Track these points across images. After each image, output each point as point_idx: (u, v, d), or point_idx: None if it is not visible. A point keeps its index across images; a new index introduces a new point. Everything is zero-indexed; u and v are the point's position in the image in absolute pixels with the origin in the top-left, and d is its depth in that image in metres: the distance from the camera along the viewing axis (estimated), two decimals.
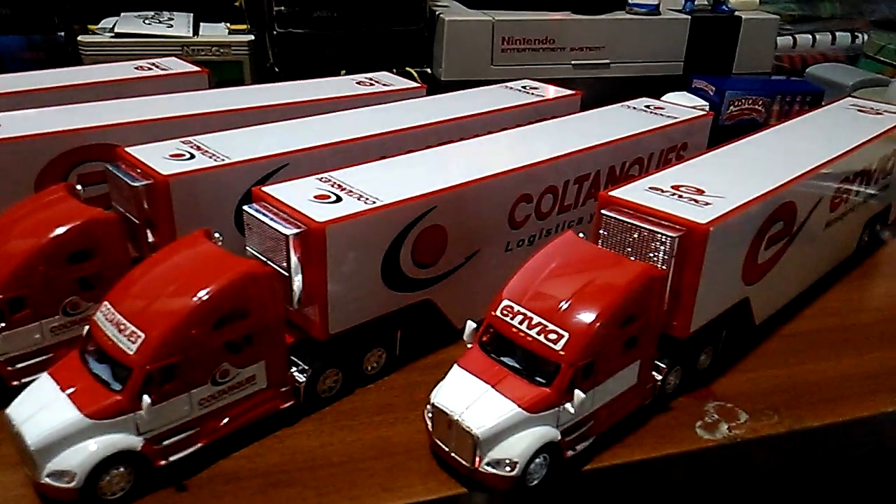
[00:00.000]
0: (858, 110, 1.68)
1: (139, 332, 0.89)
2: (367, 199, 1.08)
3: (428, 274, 1.18)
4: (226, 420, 0.98)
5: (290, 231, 1.00)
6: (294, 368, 1.06)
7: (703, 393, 1.17)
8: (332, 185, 1.11)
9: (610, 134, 1.43)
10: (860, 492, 1.05)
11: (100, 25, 2.09)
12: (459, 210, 1.18)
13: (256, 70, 2.18)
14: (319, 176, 1.14)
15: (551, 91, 1.74)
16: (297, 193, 1.08)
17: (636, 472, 1.02)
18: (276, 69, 2.15)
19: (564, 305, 0.97)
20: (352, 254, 1.05)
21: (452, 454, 0.95)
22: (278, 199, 1.06)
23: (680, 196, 1.13)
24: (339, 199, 1.07)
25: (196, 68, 1.77)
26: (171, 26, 2.10)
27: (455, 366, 1.00)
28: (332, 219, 1.01)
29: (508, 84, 1.78)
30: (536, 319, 0.97)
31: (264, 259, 1.05)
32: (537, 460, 0.94)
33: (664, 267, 1.05)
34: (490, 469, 0.92)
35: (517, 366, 0.98)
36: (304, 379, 1.06)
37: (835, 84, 2.33)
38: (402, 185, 1.13)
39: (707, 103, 2.09)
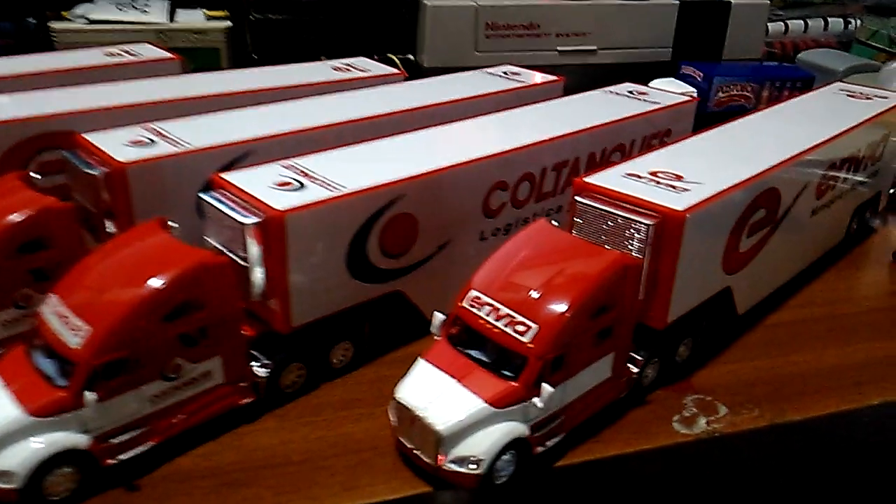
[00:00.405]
0: (848, 95, 1.64)
1: (85, 325, 0.85)
2: (331, 186, 1.04)
3: (397, 264, 1.14)
4: (180, 417, 0.94)
5: (247, 220, 0.96)
6: (255, 363, 1.02)
7: (682, 386, 1.13)
8: (296, 172, 1.07)
9: (590, 120, 1.39)
10: (845, 488, 1.01)
11: (73, 12, 2.04)
12: (430, 198, 1.13)
13: (235, 57, 2.13)
14: (283, 162, 1.10)
15: (532, 76, 1.70)
16: (258, 180, 1.03)
17: (610, 468, 0.99)
18: (255, 56, 2.10)
19: (533, 296, 0.93)
20: (315, 243, 1.01)
21: (416, 451, 0.92)
22: (237, 187, 1.01)
23: (657, 182, 1.09)
24: (301, 187, 1.03)
25: (168, 55, 1.72)
26: (147, 12, 2.05)
27: (420, 359, 0.96)
28: (292, 207, 0.97)
29: (488, 69, 1.74)
30: (504, 310, 0.93)
31: (222, 249, 1.01)
32: (504, 457, 0.90)
33: (640, 255, 1.01)
34: (454, 467, 0.88)
35: (485, 359, 0.94)
36: (265, 374, 1.02)
37: (826, 70, 2.28)
38: (369, 172, 1.09)
39: (695, 90, 2.05)
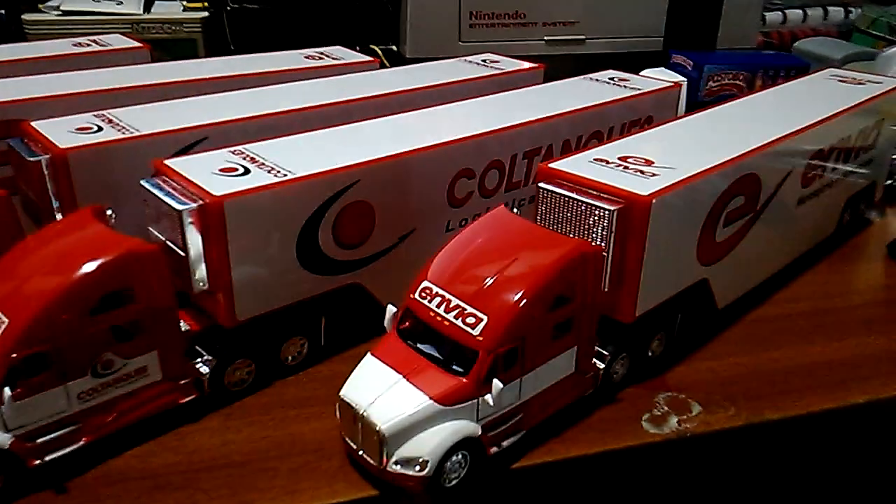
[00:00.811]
0: (839, 80, 1.57)
1: (2, 318, 0.80)
2: (278, 171, 0.98)
3: (354, 255, 1.08)
4: (113, 416, 0.88)
5: (182, 206, 0.91)
6: (198, 359, 0.97)
7: (654, 383, 1.07)
8: (244, 158, 1.02)
9: (565, 105, 1.33)
10: (823, 491, 0.95)
11: (47, 4, 2.00)
12: (388, 185, 1.08)
13: (213, 49, 2.09)
14: (232, 149, 1.05)
15: (512, 64, 1.64)
16: (201, 166, 0.98)
17: (573, 470, 0.93)
18: (232, 47, 2.06)
19: (485, 286, 0.87)
20: (258, 231, 0.95)
21: (360, 452, 0.86)
22: (178, 173, 0.96)
23: (626, 168, 1.03)
24: (246, 172, 0.98)
25: (136, 44, 1.67)
26: (121, 3, 2.01)
27: (368, 355, 0.90)
28: (231, 192, 0.92)
29: (467, 58, 1.68)
30: (455, 302, 0.87)
31: (162, 238, 0.96)
32: (454, 458, 0.84)
33: (604, 244, 0.96)
34: (399, 469, 0.83)
35: (435, 354, 0.88)
36: (208, 370, 0.96)
37: (823, 58, 2.21)
38: (321, 157, 1.03)
39: (685, 79, 1.98)
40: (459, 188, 1.18)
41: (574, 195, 0.98)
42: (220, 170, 0.97)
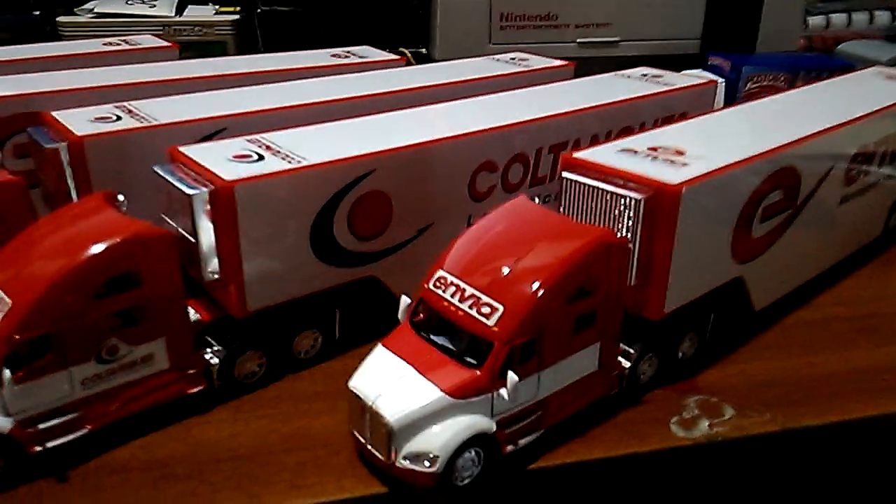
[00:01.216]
0: (886, 77, 1.50)
1: (6, 300, 0.78)
2: (292, 158, 0.96)
3: (371, 247, 1.05)
4: (118, 404, 0.86)
5: (193, 191, 0.88)
6: (208, 349, 0.94)
7: (685, 385, 1.01)
8: (259, 146, 0.99)
9: (593, 100, 1.29)
10: (865, 501, 0.89)
11: (82, 7, 2.03)
12: (406, 176, 1.05)
13: (244, 51, 2.09)
14: (249, 137, 1.03)
15: (541, 62, 1.60)
16: (216, 153, 0.96)
17: (593, 472, 0.88)
18: (263, 50, 2.06)
19: (503, 276, 0.83)
20: (271, 219, 0.93)
21: (369, 446, 0.82)
22: (192, 159, 0.94)
23: (655, 157, 0.98)
24: (260, 159, 0.95)
25: (165, 43, 1.68)
26: (154, 6, 2.03)
27: (379, 346, 0.87)
28: (243, 178, 0.89)
29: (496, 56, 1.65)
30: (470, 291, 0.83)
31: (174, 225, 0.94)
32: (467, 455, 0.80)
33: (630, 235, 0.91)
34: (407, 464, 0.78)
35: (449, 346, 0.84)
36: (218, 361, 0.94)
37: (868, 60, 2.12)
38: (338, 146, 1.00)
39: (723, 81, 1.92)
40: (481, 181, 1.14)
41: (599, 184, 0.94)
42: (235, 156, 0.95)
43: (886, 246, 1.45)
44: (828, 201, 1.21)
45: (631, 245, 0.91)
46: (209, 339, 0.95)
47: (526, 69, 1.54)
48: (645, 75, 1.50)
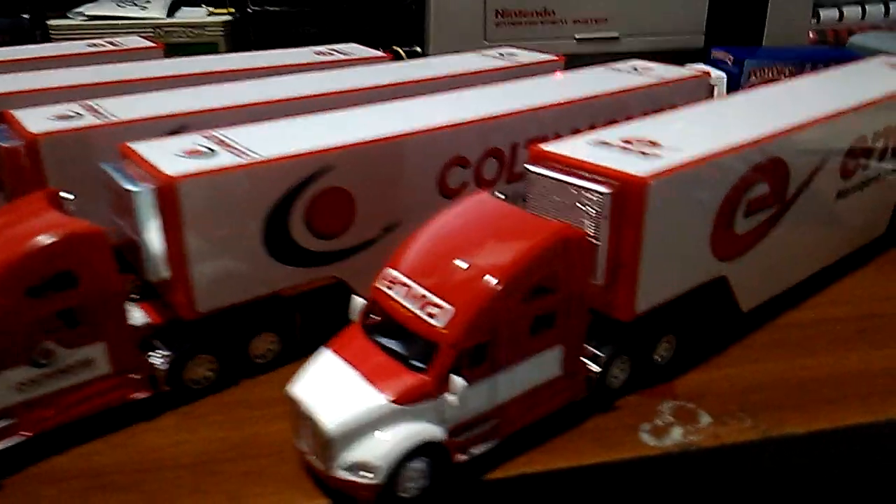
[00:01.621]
0: (890, 66, 1.43)
1: None
2: (245, 154, 0.92)
3: (332, 247, 1.01)
4: (56, 410, 0.83)
5: (135, 188, 0.85)
6: (155, 353, 0.90)
7: (661, 390, 0.95)
8: (214, 141, 0.96)
9: (576, 92, 1.24)
10: None
11: (74, 10, 2.02)
12: (369, 172, 1.00)
13: (236, 52, 2.06)
14: (206, 133, 0.99)
15: (529, 56, 1.55)
16: (167, 149, 0.92)
17: (556, 483, 0.82)
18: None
19: (453, 275, 0.78)
20: (219, 216, 0.89)
21: (310, 457, 0.77)
22: (139, 155, 0.91)
23: (627, 149, 0.93)
24: (211, 154, 0.91)
25: (150, 44, 1.66)
26: (145, 8, 2.01)
27: (323, 349, 0.82)
28: (187, 173, 0.85)
29: (485, 51, 1.60)
30: (419, 291, 0.79)
31: (120, 223, 0.90)
32: (413, 465, 0.75)
33: (597, 231, 0.85)
34: (347, 475, 0.74)
35: (396, 349, 0.79)
36: (166, 365, 0.90)
37: (881, 53, 2.04)
38: (297, 141, 0.96)
39: (723, 74, 1.86)
40: (452, 178, 1.09)
41: (564, 177, 0.89)
42: (186, 152, 0.92)
43: (891, 245, 1.37)
44: (822, 196, 1.14)
45: (598, 241, 0.86)
46: (157, 342, 0.91)
47: (513, 64, 1.49)
48: (636, 68, 1.44)
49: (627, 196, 0.84)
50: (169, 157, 0.89)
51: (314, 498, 0.78)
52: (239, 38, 2.06)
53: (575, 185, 0.87)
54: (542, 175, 0.91)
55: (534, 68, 1.48)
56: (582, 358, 0.87)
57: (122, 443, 0.86)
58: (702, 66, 1.81)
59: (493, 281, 0.76)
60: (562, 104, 1.19)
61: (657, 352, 0.96)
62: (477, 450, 0.80)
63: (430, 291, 0.78)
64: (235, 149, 0.93)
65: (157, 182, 0.84)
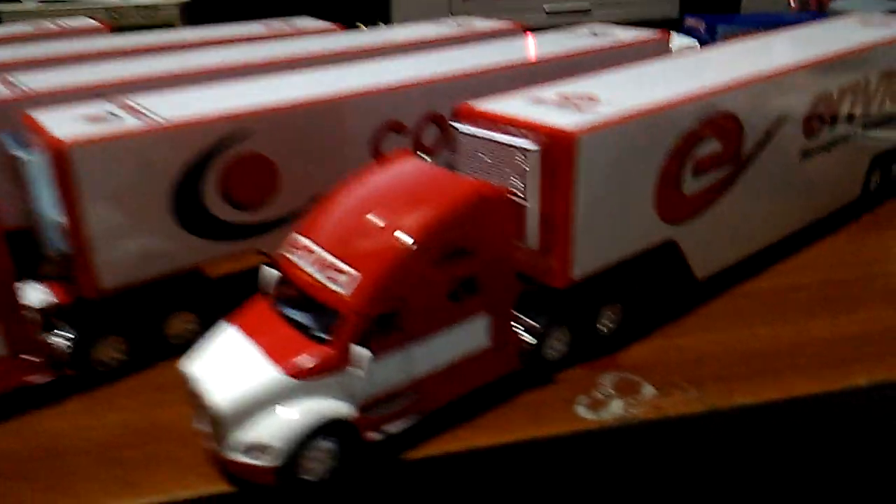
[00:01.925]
0: (862, 24, 1.36)
1: None
2: (149, 118, 0.86)
3: (255, 218, 0.95)
4: None
5: (28, 156, 0.79)
6: (56, 334, 0.85)
7: (604, 362, 0.89)
8: (121, 107, 0.90)
9: (525, 55, 1.17)
10: (809, 490, 0.76)
11: None
12: (292, 137, 0.94)
13: None
14: (116, 99, 0.93)
15: (485, 23, 1.48)
16: (68, 116, 0.86)
17: (482, 462, 0.76)
18: None
19: (361, 238, 0.72)
20: (120, 184, 0.83)
21: (207, 439, 0.72)
22: (38, 122, 0.85)
23: (561, 105, 0.86)
24: (114, 119, 0.85)
25: (97, 24, 1.61)
26: None
27: (223, 322, 0.76)
28: (81, 138, 0.79)
29: (440, 20, 1.54)
30: (324, 256, 0.73)
31: (22, 196, 0.84)
32: (318, 445, 0.69)
33: (528, 190, 0.79)
34: (242, 458, 0.68)
35: (300, 319, 0.73)
36: (69, 347, 0.84)
37: None
38: (210, 105, 0.90)
39: (698, 43, 1.79)
40: (387, 145, 1.03)
41: (491, 135, 0.82)
42: (89, 118, 0.85)
43: (867, 209, 1.30)
44: (784, 156, 1.08)
45: (528, 202, 0.80)
46: (60, 323, 0.85)
47: (468, 31, 1.43)
48: (595, 33, 1.37)
49: (556, 152, 0.78)
50: (68, 123, 0.83)
51: (215, 482, 0.72)
52: (195, 19, 2.00)
53: (502, 142, 0.81)
54: (468, 134, 0.85)
55: (490, 35, 1.41)
56: (514, 328, 0.81)
57: (20, 428, 0.80)
58: (688, 41, 1.75)
59: (402, 243, 0.70)
60: (508, 66, 1.13)
61: (600, 321, 0.90)
62: (393, 427, 0.74)
63: (336, 257, 0.72)
64: (142, 114, 0.87)
65: (50, 148, 0.78)
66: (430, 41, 1.35)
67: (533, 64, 1.15)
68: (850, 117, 1.18)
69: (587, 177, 0.80)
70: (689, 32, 1.89)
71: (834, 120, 1.14)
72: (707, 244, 1.00)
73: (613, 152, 0.82)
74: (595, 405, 0.81)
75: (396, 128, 1.03)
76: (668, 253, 0.95)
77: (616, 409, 0.81)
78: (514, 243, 0.78)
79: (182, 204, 0.88)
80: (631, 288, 0.93)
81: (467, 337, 0.77)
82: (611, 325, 0.91)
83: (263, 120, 0.91)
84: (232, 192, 0.91)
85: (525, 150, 0.79)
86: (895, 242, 1.24)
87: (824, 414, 0.83)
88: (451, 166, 0.85)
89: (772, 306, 1.02)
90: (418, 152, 0.85)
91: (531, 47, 1.23)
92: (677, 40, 1.74)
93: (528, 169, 0.79)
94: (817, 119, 1.11)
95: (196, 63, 1.14)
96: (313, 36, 1.44)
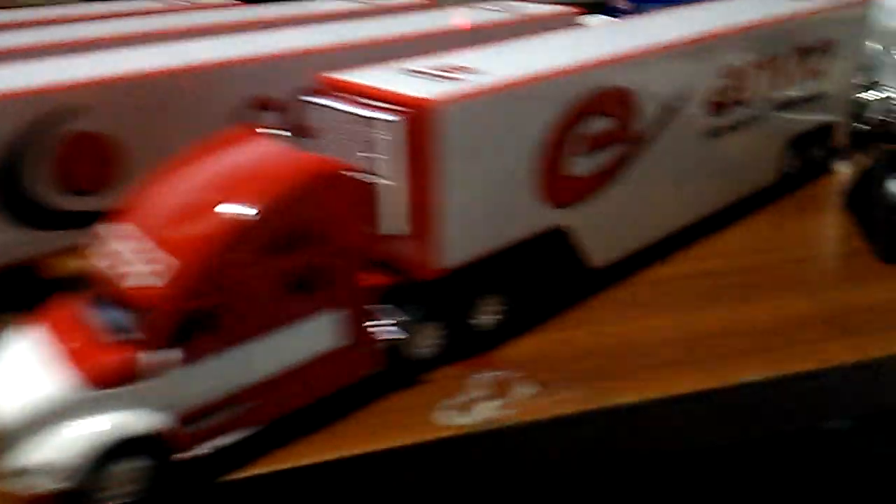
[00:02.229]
0: None
1: None
2: None
3: (93, 206, 0.84)
4: None
5: None
6: None
7: (480, 360, 0.81)
8: None
9: (416, 28, 1.08)
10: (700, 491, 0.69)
11: None
12: (136, 114, 0.84)
13: None
14: None
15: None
16: None
17: (326, 478, 0.67)
18: None
19: (177, 224, 0.63)
20: None
21: None
22: None
23: (432, 77, 0.78)
24: None
25: None
26: None
27: (25, 324, 0.66)
28: None
29: None
30: (143, 244, 0.63)
31: None
32: (120, 464, 0.59)
33: (387, 168, 0.70)
34: (26, 480, 0.58)
35: (106, 318, 0.63)
36: None
37: None
38: (34, 78, 0.80)
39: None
40: (257, 124, 0.93)
41: (347, 108, 0.74)
42: None
43: (785, 193, 1.24)
44: (688, 134, 1.01)
45: (390, 182, 0.71)
46: None
47: (378, 6, 1.33)
48: (501, 9, 1.29)
49: (417, 123, 0.69)
50: None
51: None
52: None
53: (358, 114, 0.72)
54: (323, 106, 0.75)
55: (400, 11, 1.32)
56: (374, 325, 0.73)
57: None
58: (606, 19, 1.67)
59: (223, 228, 0.60)
60: (395, 39, 1.04)
61: (475, 315, 0.82)
62: (225, 441, 0.65)
63: (142, 248, 0.62)
64: None
65: None
66: (332, 15, 1.26)
67: (423, 37, 1.06)
68: (765, 96, 1.11)
69: (454, 152, 0.72)
70: (613, 11, 1.82)
71: (745, 98, 1.08)
72: (605, 229, 0.92)
73: (484, 126, 0.74)
74: (462, 408, 0.73)
75: (264, 105, 0.93)
76: (555, 239, 0.87)
77: (486, 411, 0.73)
78: (372, 228, 0.69)
79: (2, 189, 0.77)
80: (513, 277, 0.85)
81: (315, 336, 0.68)
82: (489, 320, 0.83)
83: (99, 93, 0.81)
84: (63, 176, 0.81)
85: (384, 121, 0.70)
86: (813, 227, 1.19)
87: (713, 411, 0.76)
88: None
89: (670, 295, 0.95)
90: (286, 131, 0.75)
91: (430, 20, 1.15)
92: (597, 19, 1.67)
93: (388, 144, 0.71)
94: (725, 96, 1.04)
95: (62, 36, 1.03)
96: (209, 10, 1.34)
